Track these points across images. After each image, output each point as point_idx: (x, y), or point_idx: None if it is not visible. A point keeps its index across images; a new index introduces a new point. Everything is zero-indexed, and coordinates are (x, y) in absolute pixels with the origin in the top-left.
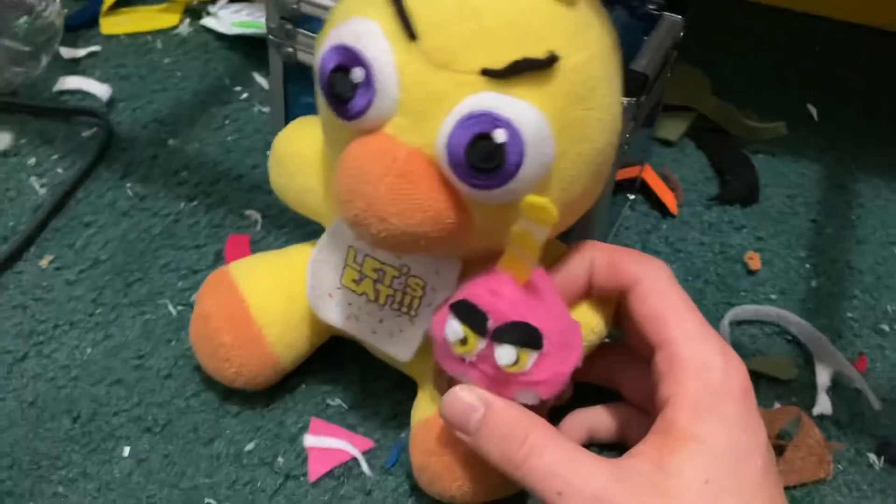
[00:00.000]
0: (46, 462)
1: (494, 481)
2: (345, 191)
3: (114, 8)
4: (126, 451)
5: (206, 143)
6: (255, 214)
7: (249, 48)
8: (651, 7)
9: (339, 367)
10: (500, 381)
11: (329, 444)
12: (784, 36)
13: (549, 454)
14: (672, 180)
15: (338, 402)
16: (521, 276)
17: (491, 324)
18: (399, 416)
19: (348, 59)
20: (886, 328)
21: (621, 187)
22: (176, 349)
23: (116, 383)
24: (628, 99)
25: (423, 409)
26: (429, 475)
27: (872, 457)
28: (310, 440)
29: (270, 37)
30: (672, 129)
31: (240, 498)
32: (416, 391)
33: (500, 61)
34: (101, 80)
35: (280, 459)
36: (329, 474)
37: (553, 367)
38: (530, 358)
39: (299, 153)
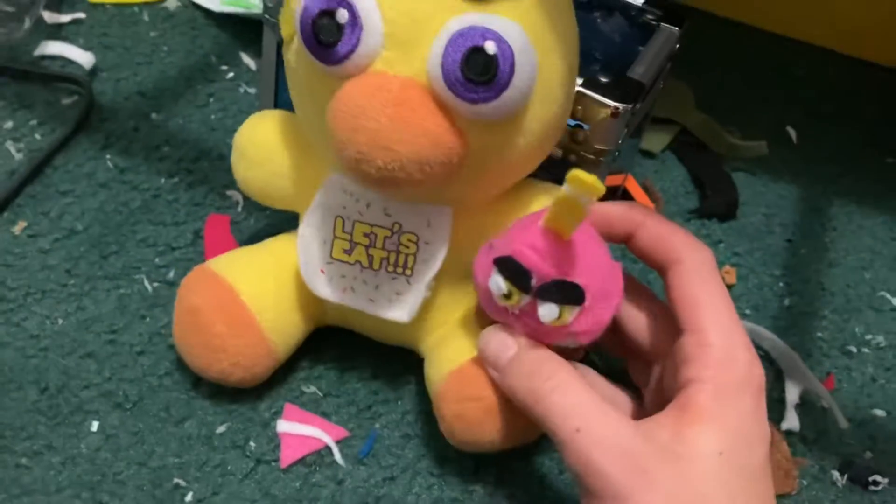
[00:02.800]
0: (10, 433)
1: (529, 422)
2: (345, 130)
3: None
4: (94, 425)
5: (190, 119)
6: (236, 195)
7: (238, 27)
8: (649, 17)
9: (315, 353)
10: (542, 332)
11: (302, 430)
12: (766, 58)
13: (574, 393)
14: (653, 192)
15: (313, 389)
16: (566, 233)
17: (535, 281)
18: (374, 407)
19: (331, 1)
20: (854, 349)
21: (604, 196)
22: (150, 326)
23: (87, 356)
24: (624, 105)
25: (449, 361)
26: (465, 422)
27: (836, 474)
28: (283, 426)
29: (266, 16)
30: (655, 141)
31: (209, 480)
32: (393, 382)
33: None
34: (85, 47)
35: (252, 444)
36: (301, 461)
37: (594, 318)
38: (572, 313)
39: (265, 141)
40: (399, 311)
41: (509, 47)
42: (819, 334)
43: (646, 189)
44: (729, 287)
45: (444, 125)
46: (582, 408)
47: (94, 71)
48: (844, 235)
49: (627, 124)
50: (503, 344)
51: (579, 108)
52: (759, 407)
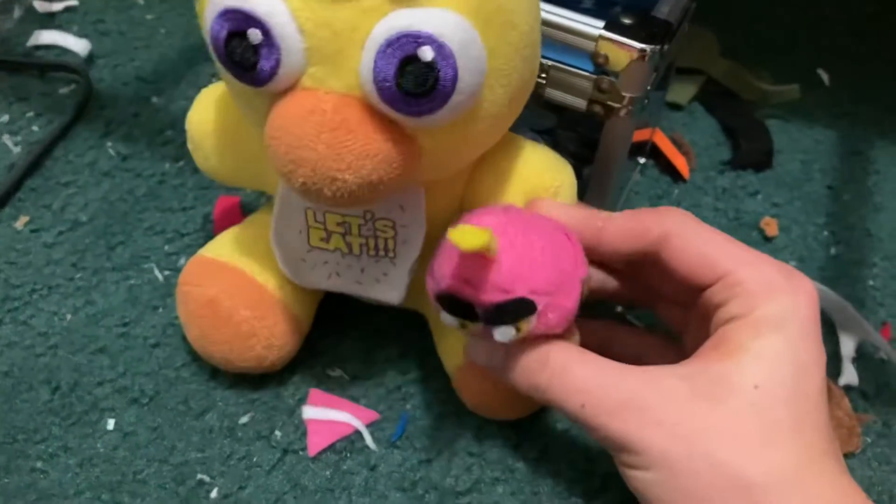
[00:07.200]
0: (23, 436)
1: None
2: (284, 162)
3: None
4: (111, 423)
5: (192, 101)
6: None
7: None
8: None
9: (339, 335)
10: (512, 342)
11: (330, 416)
12: None
13: (570, 371)
14: (683, 145)
15: (339, 372)
16: (489, 254)
17: (479, 311)
18: (404, 387)
19: (239, 21)
20: None
21: (631, 151)
22: (164, 316)
23: (99, 352)
24: (652, 47)
25: (456, 352)
26: (490, 409)
27: None
28: (309, 412)
29: None
30: (681, 92)
31: (234, 474)
32: (423, 361)
33: None
34: (79, 35)
35: (277, 433)
36: (330, 448)
37: (558, 310)
38: (530, 322)
39: (220, 130)
40: (388, 293)
41: (448, 49)
42: (871, 282)
43: (675, 143)
44: (770, 239)
45: (390, 141)
46: (580, 381)
47: (90, 58)
48: (888, 178)
49: (656, 68)
50: (490, 350)
51: (603, 53)
52: (809, 330)
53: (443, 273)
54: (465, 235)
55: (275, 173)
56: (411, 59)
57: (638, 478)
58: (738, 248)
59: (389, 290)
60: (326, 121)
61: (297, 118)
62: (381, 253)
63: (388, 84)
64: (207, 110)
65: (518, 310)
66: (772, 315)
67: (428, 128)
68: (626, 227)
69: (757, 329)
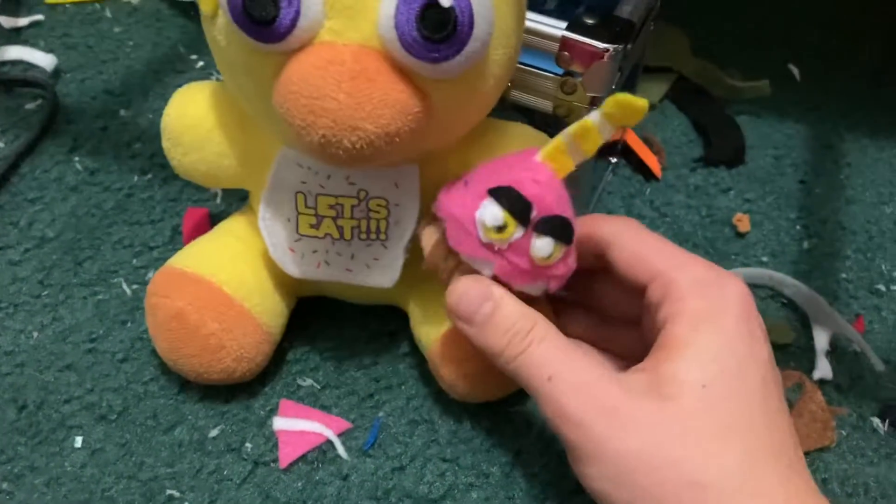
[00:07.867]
0: None
1: None
2: (303, 114)
3: None
4: (78, 441)
5: (161, 113)
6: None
7: None
8: None
9: (309, 344)
10: (522, 272)
11: (301, 426)
12: None
13: (547, 343)
14: (655, 143)
15: (309, 382)
16: (562, 171)
17: (535, 214)
18: (376, 395)
19: None
20: (883, 288)
21: (603, 151)
22: (132, 331)
23: (67, 369)
24: (615, 46)
25: (439, 321)
26: (469, 382)
27: (876, 421)
28: (280, 423)
29: None
30: (652, 91)
31: (205, 488)
32: (395, 367)
33: None
34: (46, 50)
35: (248, 445)
36: (302, 459)
37: (570, 263)
38: (561, 251)
39: (199, 122)
40: (380, 278)
41: None
42: (843, 276)
43: (647, 142)
44: (743, 235)
45: (407, 90)
46: (555, 357)
47: (57, 73)
48: (859, 170)
49: (620, 67)
50: (481, 297)
51: (566, 54)
52: (746, 324)
53: (504, 169)
54: (627, 102)
55: (260, 163)
56: (431, 5)
57: (593, 476)
58: (672, 250)
59: (381, 274)
60: (346, 70)
61: (316, 69)
62: (373, 236)
63: (409, 30)
64: (186, 105)
65: (566, 230)
66: (703, 309)
67: (442, 79)
68: (583, 237)
69: (692, 324)
